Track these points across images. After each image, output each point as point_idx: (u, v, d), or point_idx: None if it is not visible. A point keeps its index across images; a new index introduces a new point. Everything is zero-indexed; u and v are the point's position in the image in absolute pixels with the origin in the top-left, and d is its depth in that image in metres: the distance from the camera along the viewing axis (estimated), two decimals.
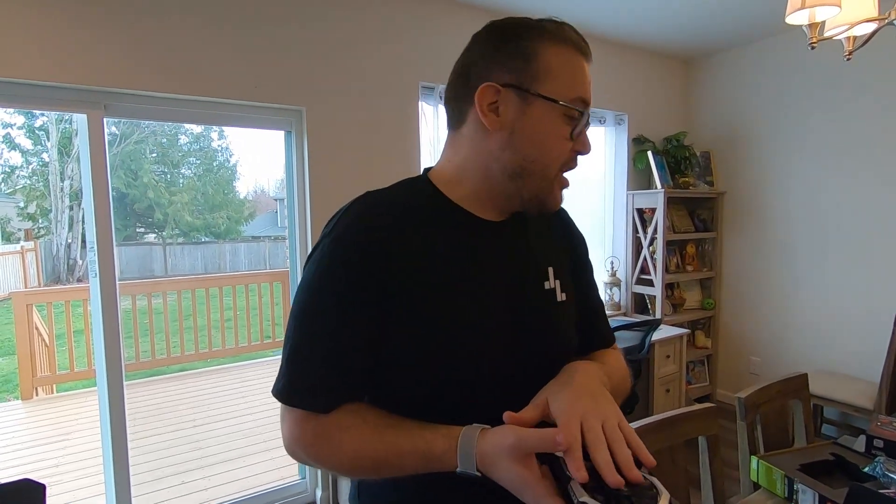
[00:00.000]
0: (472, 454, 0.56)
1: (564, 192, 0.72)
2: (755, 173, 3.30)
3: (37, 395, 3.99)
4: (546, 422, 0.59)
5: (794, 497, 1.10)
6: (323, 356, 0.62)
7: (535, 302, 0.72)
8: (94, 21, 1.80)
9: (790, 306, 3.17)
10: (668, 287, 3.40)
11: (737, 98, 3.37)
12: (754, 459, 1.19)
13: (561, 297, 0.75)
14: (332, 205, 2.33)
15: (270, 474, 2.70)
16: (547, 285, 0.73)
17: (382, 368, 0.65)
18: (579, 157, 0.69)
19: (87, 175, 1.92)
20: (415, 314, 0.63)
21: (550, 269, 0.75)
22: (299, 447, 0.63)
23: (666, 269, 3.24)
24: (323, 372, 0.62)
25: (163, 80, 1.92)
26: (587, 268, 0.85)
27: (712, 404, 1.27)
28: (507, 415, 0.58)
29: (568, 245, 0.82)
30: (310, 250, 2.37)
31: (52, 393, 4.14)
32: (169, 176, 15.30)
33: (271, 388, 0.65)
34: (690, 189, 3.36)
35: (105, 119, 1.91)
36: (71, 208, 12.62)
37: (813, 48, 1.59)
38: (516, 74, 0.65)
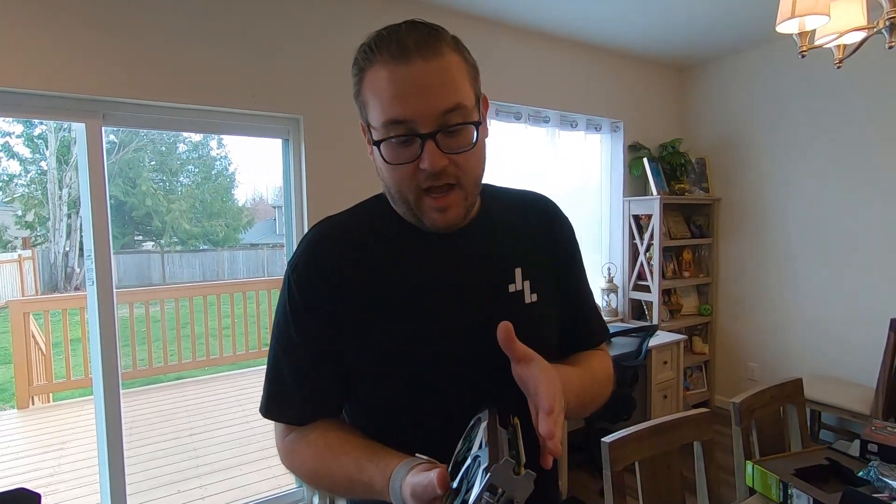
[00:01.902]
0: (398, 492, 0.55)
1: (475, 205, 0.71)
2: (750, 179, 3.32)
3: (33, 403, 3.97)
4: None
5: (789, 501, 1.10)
6: (291, 372, 0.68)
7: (496, 307, 0.70)
8: (93, 31, 1.81)
9: (787, 312, 3.18)
10: (665, 293, 3.41)
11: (731, 105, 3.40)
12: (749, 464, 1.20)
13: (530, 297, 0.73)
14: (329, 212, 2.33)
15: (267, 483, 2.69)
16: (512, 288, 0.72)
17: (352, 383, 0.69)
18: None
19: (84, 183, 1.93)
20: (371, 333, 0.67)
21: (518, 270, 0.72)
22: (279, 455, 0.71)
23: (662, 275, 3.25)
24: (293, 387, 0.68)
25: (161, 89, 1.94)
26: (573, 260, 0.81)
27: (707, 409, 1.28)
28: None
29: (549, 239, 0.79)
30: None
31: (49, 402, 4.13)
32: (167, 184, 15.31)
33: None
34: (686, 195, 3.38)
35: (103, 128, 1.92)
36: (69, 217, 12.61)
37: (803, 56, 1.61)
38: (361, 110, 0.67)
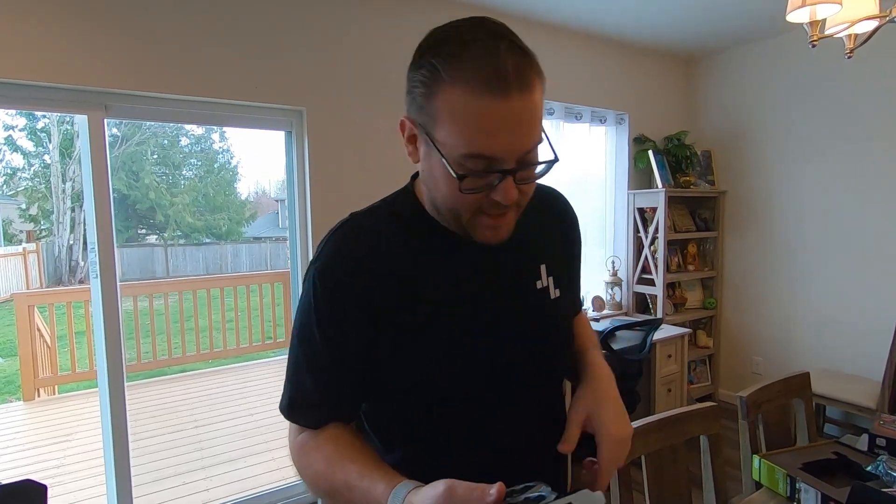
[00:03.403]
0: (399, 500, 0.54)
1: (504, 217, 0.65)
2: (756, 172, 3.29)
3: (39, 396, 4.00)
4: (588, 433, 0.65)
5: (797, 496, 1.09)
6: (312, 378, 0.66)
7: (528, 305, 0.71)
8: (95, 22, 1.80)
9: (792, 305, 3.16)
10: (670, 286, 3.39)
11: (738, 97, 3.37)
12: (756, 458, 1.19)
13: (555, 293, 0.74)
14: (332, 205, 2.34)
15: (272, 475, 2.70)
16: (539, 284, 0.72)
17: (376, 387, 0.68)
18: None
19: (87, 176, 1.92)
20: (401, 336, 0.65)
21: (543, 267, 0.73)
22: (290, 453, 0.71)
23: (667, 269, 3.24)
24: (313, 392, 0.67)
25: (163, 81, 1.92)
26: (576, 244, 0.83)
27: (713, 403, 1.27)
28: (561, 447, 0.64)
29: (564, 235, 0.80)
30: (311, 252, 2.36)
31: (54, 394, 4.15)
32: (170, 177, 15.33)
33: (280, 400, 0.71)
34: (691, 188, 3.36)
35: (106, 120, 1.91)
36: (72, 210, 12.65)
37: (814, 46, 1.58)
38: (417, 112, 0.59)
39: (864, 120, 2.78)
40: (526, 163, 0.57)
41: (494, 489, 0.49)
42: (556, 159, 0.60)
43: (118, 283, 2.00)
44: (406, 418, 0.69)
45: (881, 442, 1.22)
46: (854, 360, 2.87)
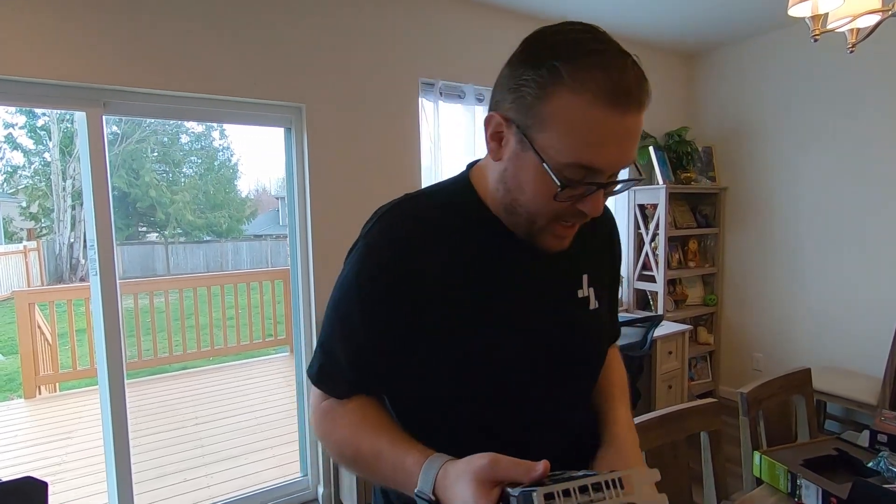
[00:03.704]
0: (434, 473, 0.54)
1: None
2: (758, 168, 3.28)
3: (40, 393, 4.00)
4: None
5: (797, 492, 1.09)
6: (346, 353, 0.66)
7: (567, 312, 0.70)
8: (93, 18, 1.79)
9: (793, 302, 3.15)
10: (670, 283, 3.39)
11: (739, 93, 3.35)
12: (757, 455, 1.19)
13: (594, 304, 0.73)
14: (332, 202, 2.34)
15: (273, 472, 2.70)
16: (580, 293, 0.72)
17: (408, 373, 0.67)
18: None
19: (86, 173, 1.91)
20: (441, 327, 0.64)
21: (585, 277, 0.72)
22: (312, 419, 0.71)
23: (668, 265, 3.23)
24: (345, 366, 0.66)
25: (162, 78, 1.92)
26: (617, 259, 0.84)
27: (714, 400, 1.27)
28: None
29: (608, 247, 0.80)
30: (311, 249, 2.34)
31: (56, 391, 4.16)
32: (170, 175, 15.32)
33: (307, 367, 0.72)
34: (692, 185, 3.35)
35: (104, 117, 1.91)
36: (73, 208, 12.66)
37: (816, 41, 1.57)
38: (518, 112, 0.57)
39: (867, 115, 2.77)
40: (615, 178, 0.58)
41: (541, 465, 0.49)
42: (641, 177, 0.64)
43: (118, 281, 2.00)
44: (431, 409, 0.68)
45: (882, 438, 1.22)
46: (855, 357, 2.87)
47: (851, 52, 1.62)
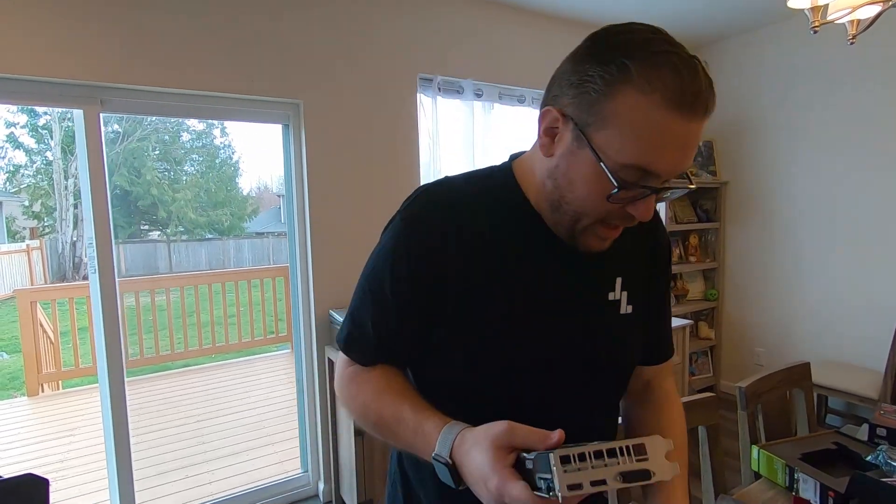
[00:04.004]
0: (452, 438, 0.55)
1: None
2: (758, 162, 3.27)
3: (42, 391, 4.03)
4: None
5: (795, 486, 1.09)
6: (374, 323, 0.67)
7: (595, 314, 0.69)
8: (89, 15, 1.78)
9: (794, 296, 3.14)
10: (672, 278, 3.37)
11: (740, 86, 3.33)
12: (755, 449, 1.18)
13: (626, 308, 0.71)
14: (330, 198, 2.34)
15: (274, 468, 2.71)
16: (611, 296, 0.70)
17: (431, 352, 0.68)
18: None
19: (84, 171, 1.91)
20: (467, 313, 0.64)
21: (619, 280, 0.71)
22: (337, 383, 0.73)
23: None
24: (371, 336, 0.68)
25: (158, 75, 1.91)
26: (665, 276, 0.80)
27: (712, 394, 1.26)
28: None
29: (650, 251, 0.76)
30: (310, 245, 2.33)
31: (58, 389, 4.18)
32: (172, 173, 15.35)
33: (336, 334, 0.75)
34: (693, 179, 3.33)
35: (102, 114, 1.91)
36: (75, 206, 12.69)
37: (815, 32, 1.56)
38: (579, 108, 0.56)
39: (868, 108, 2.74)
40: (668, 183, 0.57)
41: (556, 433, 0.49)
42: (692, 185, 0.63)
43: (116, 279, 2.00)
44: (449, 391, 0.68)
45: (881, 432, 1.21)
46: (857, 351, 2.85)
47: (852, 43, 1.60)
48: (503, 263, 0.65)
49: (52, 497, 2.51)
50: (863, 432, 1.27)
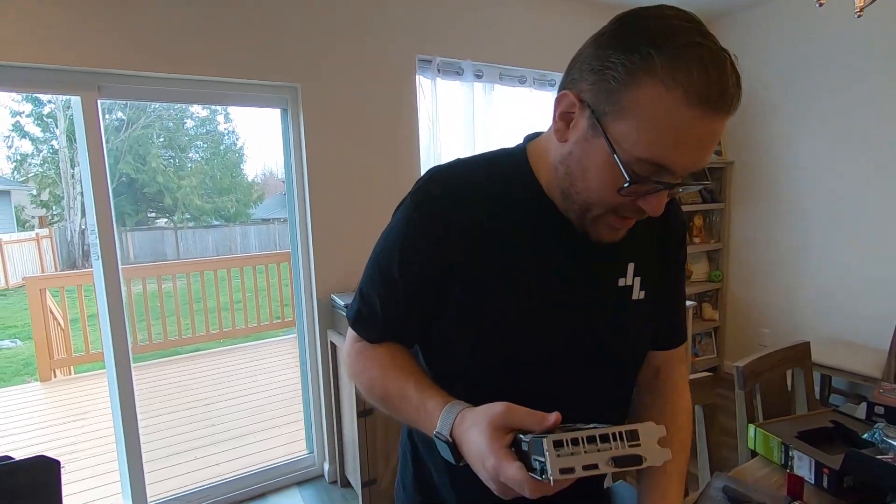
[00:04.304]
0: (453, 417, 0.57)
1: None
2: (764, 141, 3.21)
3: (55, 376, 4.10)
4: None
5: (790, 464, 1.09)
6: (382, 302, 0.69)
7: (604, 300, 0.69)
8: (85, 1, 1.77)
9: (800, 276, 3.11)
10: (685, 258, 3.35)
11: (746, 63, 3.26)
12: (752, 427, 1.18)
13: (638, 294, 0.71)
14: (330, 182, 2.33)
15: (280, 449, 2.76)
16: (622, 282, 0.69)
17: (437, 333, 0.69)
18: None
19: (84, 158, 1.92)
20: (474, 296, 0.65)
21: (631, 265, 0.70)
22: (344, 357, 0.76)
23: None
24: (379, 313, 0.69)
25: (155, 60, 1.90)
26: (678, 258, 0.79)
27: (709, 373, 1.26)
28: None
29: (664, 235, 0.75)
30: (311, 230, 2.33)
31: (70, 374, 4.26)
32: (177, 160, 15.38)
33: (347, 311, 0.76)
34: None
35: (99, 101, 1.90)
36: (82, 195, 12.76)
37: (821, 6, 1.52)
38: (597, 95, 0.54)
39: (876, 83, 2.68)
40: (684, 183, 0.55)
41: (553, 416, 0.50)
42: (707, 182, 0.59)
43: (119, 266, 2.02)
44: (455, 372, 0.69)
45: (879, 410, 1.21)
46: (862, 331, 2.84)
47: (859, 16, 1.56)
48: (511, 254, 0.65)
49: (65, 478, 2.58)
50: (861, 410, 1.26)
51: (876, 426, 1.12)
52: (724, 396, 2.91)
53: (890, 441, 1.07)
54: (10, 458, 2.01)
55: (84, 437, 3.05)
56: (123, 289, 2.07)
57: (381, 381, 0.68)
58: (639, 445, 0.48)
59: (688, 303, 2.91)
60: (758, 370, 1.39)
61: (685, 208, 3.28)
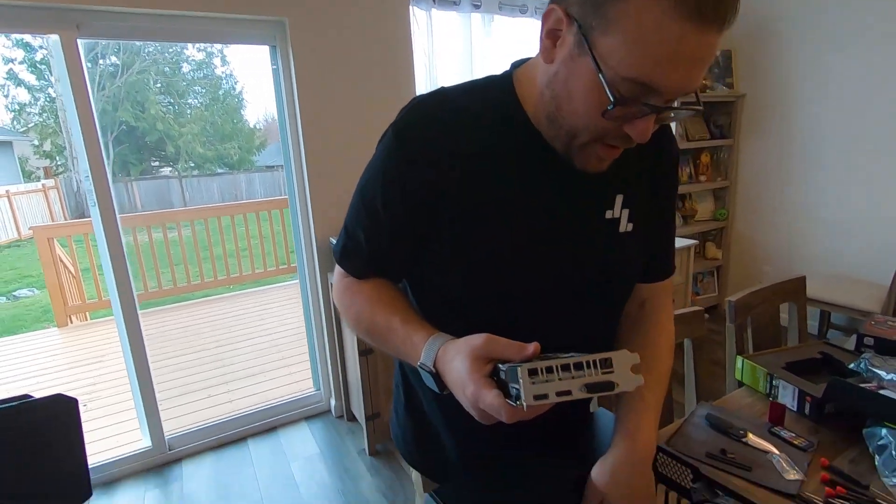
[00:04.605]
0: (436, 349, 0.58)
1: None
2: (781, 72, 3.06)
3: (71, 322, 4.24)
4: None
5: (774, 393, 1.11)
6: (367, 237, 0.68)
7: (591, 232, 0.67)
8: None
9: (809, 213, 3.06)
10: (680, 198, 3.30)
11: None
12: (739, 359, 1.20)
13: (626, 227, 0.69)
14: (324, 122, 2.27)
15: (289, 387, 2.88)
16: (609, 214, 0.68)
17: (424, 265, 0.69)
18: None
19: (69, 100, 1.87)
20: (457, 226, 0.64)
21: (619, 197, 0.68)
22: (334, 293, 0.76)
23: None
24: (364, 248, 0.69)
25: None
26: (671, 192, 0.77)
27: (700, 308, 1.27)
28: None
29: (655, 165, 0.72)
30: (307, 174, 2.30)
31: (86, 320, 4.40)
32: (176, 107, 15.09)
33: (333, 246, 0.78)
34: (707, 93, 3.16)
35: (79, 39, 1.83)
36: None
37: None
38: (584, 7, 0.50)
39: None
40: (673, 106, 0.52)
41: (532, 346, 0.51)
42: (699, 107, 0.55)
43: (117, 213, 2.02)
44: (443, 305, 0.70)
45: (869, 341, 1.21)
46: (867, 268, 2.81)
47: None
48: (499, 185, 0.63)
49: (86, 416, 2.72)
50: (851, 342, 1.27)
51: (863, 356, 1.13)
52: (718, 332, 2.95)
53: (875, 370, 1.08)
54: (30, 396, 2.09)
55: (103, 378, 3.19)
56: (125, 237, 2.08)
57: (368, 315, 0.69)
58: (612, 372, 0.48)
59: (690, 241, 2.89)
60: (751, 304, 1.39)
61: (692, 145, 3.19)
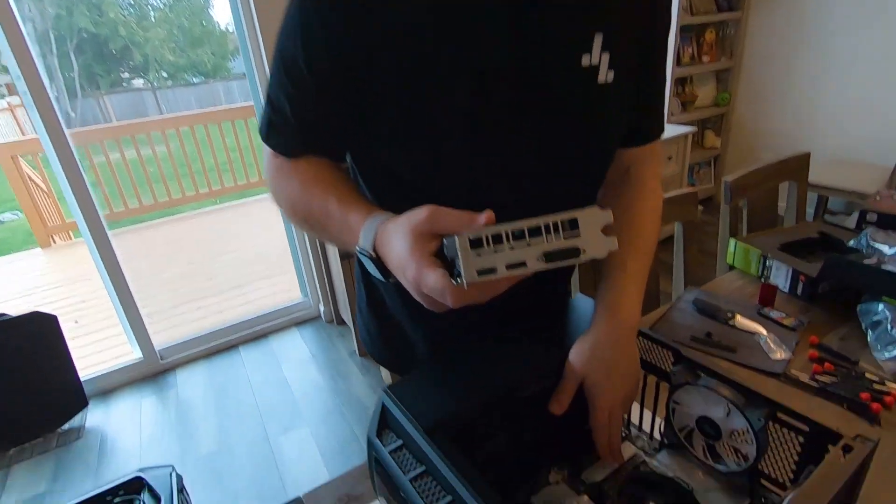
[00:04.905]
0: (374, 229, 0.48)
1: None
2: None
3: (54, 242, 4.16)
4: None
5: (766, 274, 1.05)
6: (293, 104, 0.56)
7: (561, 84, 0.54)
8: None
9: (816, 94, 2.85)
10: (679, 82, 3.08)
11: None
12: (732, 241, 1.12)
13: (606, 76, 0.55)
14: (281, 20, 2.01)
15: (279, 296, 2.87)
16: (585, 61, 0.54)
17: (365, 139, 0.58)
18: None
19: None
20: (398, 81, 0.51)
21: (598, 37, 0.53)
22: (265, 178, 0.64)
23: (678, 62, 2.89)
24: (291, 119, 0.57)
25: None
26: (663, 34, 0.63)
27: (692, 190, 1.17)
28: (552, 407, 0.56)
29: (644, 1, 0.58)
30: (262, 46, 2.06)
31: (70, 240, 4.31)
32: (137, 9, 13.83)
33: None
34: None
35: None
36: (44, 56, 11.76)
37: None
38: None
39: None
40: None
41: (483, 215, 0.41)
42: None
43: (64, 127, 1.85)
44: (387, 177, 0.60)
45: (872, 217, 1.12)
46: (874, 150, 2.67)
47: None
48: (442, 30, 0.49)
49: (79, 331, 2.74)
50: (852, 220, 1.19)
51: (863, 232, 1.05)
52: (711, 224, 2.90)
53: (875, 245, 1.01)
54: (6, 314, 2.04)
55: (93, 294, 3.17)
56: (97, 157, 1.92)
57: (302, 200, 0.58)
58: (577, 236, 0.39)
59: (688, 128, 2.72)
60: (747, 184, 1.29)
61: (697, 20, 2.90)
